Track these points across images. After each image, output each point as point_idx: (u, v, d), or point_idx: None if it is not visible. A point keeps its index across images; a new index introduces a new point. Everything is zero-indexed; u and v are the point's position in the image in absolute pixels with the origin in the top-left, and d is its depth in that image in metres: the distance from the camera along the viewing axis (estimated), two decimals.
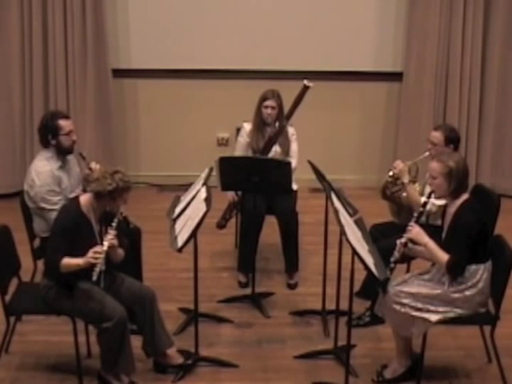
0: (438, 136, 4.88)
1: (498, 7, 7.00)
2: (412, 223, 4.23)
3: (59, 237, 4.11)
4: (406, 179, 4.88)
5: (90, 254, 4.00)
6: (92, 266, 4.00)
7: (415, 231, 4.19)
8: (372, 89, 7.37)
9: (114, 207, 4.14)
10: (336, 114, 7.41)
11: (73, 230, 4.08)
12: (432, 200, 4.34)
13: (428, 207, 4.42)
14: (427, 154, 4.90)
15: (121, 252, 4.27)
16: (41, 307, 4.26)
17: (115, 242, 4.10)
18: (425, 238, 4.17)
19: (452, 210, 4.17)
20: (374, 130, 7.48)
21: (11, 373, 4.42)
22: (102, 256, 4.01)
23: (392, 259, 4.22)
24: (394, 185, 5.03)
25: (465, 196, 4.17)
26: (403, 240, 4.22)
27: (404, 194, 4.92)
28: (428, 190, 4.77)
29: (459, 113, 7.19)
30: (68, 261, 4.04)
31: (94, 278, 3.99)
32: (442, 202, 4.47)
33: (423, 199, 4.38)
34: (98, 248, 4.04)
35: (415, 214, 4.31)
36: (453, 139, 4.90)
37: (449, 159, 4.14)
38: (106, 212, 4.18)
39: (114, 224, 4.10)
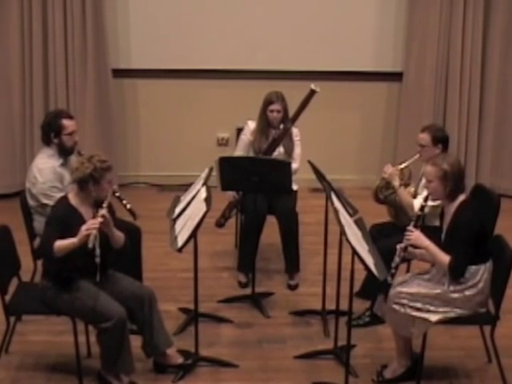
0: (424, 137, 4.89)
1: (497, 7, 7.00)
2: (411, 227, 4.22)
3: (51, 226, 4.10)
4: (396, 182, 4.88)
5: (84, 227, 3.97)
6: (87, 245, 3.96)
7: (415, 236, 4.18)
8: (372, 89, 7.38)
9: (100, 192, 4.12)
10: (336, 114, 7.41)
11: (64, 222, 4.06)
12: (429, 203, 4.34)
13: (418, 206, 4.41)
14: (417, 156, 4.91)
15: (119, 234, 4.25)
16: (41, 307, 4.25)
17: (107, 215, 4.07)
18: (425, 242, 4.17)
19: (450, 211, 4.17)
20: (374, 130, 7.49)
21: (11, 373, 4.42)
22: (96, 226, 3.96)
23: (393, 264, 4.20)
24: (387, 189, 5.05)
25: (462, 197, 4.18)
26: (403, 245, 4.22)
27: (397, 198, 4.93)
28: (421, 191, 4.79)
29: (459, 113, 7.19)
30: (61, 242, 4.00)
31: (90, 245, 3.91)
32: (436, 203, 4.48)
33: (420, 202, 4.37)
34: (91, 220, 4.03)
35: (413, 218, 4.30)
36: (440, 139, 4.90)
37: (443, 162, 4.14)
38: (98, 203, 4.15)
39: (104, 205, 4.08)
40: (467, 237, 4.06)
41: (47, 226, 4.16)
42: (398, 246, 4.24)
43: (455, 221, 4.12)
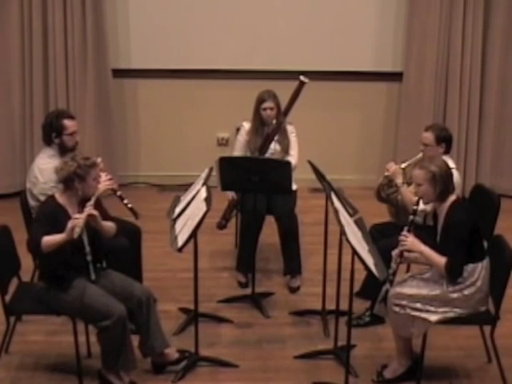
0: (428, 136, 4.91)
1: (498, 7, 7.00)
2: (405, 233, 4.22)
3: (38, 223, 4.11)
4: (399, 180, 4.88)
5: (70, 221, 3.97)
6: (76, 243, 3.98)
7: (410, 241, 4.18)
8: (372, 89, 7.38)
9: (86, 189, 4.13)
10: (336, 114, 7.41)
11: (52, 219, 4.06)
12: (421, 206, 4.33)
13: (422, 207, 4.41)
14: (420, 155, 4.91)
15: (111, 225, 4.26)
16: (41, 307, 4.25)
17: (94, 211, 4.08)
18: (420, 247, 4.17)
19: (442, 212, 4.17)
20: (374, 130, 7.49)
21: (11, 373, 4.42)
22: (82, 220, 3.97)
23: (390, 271, 4.20)
24: (389, 187, 5.04)
25: (452, 197, 4.18)
26: (398, 251, 4.22)
27: (399, 197, 4.93)
28: None
29: (459, 113, 7.19)
30: (49, 238, 3.99)
31: (75, 235, 3.92)
32: (430, 206, 4.47)
33: (413, 207, 4.36)
34: (77, 214, 4.03)
35: (409, 219, 4.29)
36: (444, 138, 4.91)
37: (430, 164, 4.15)
38: (84, 201, 4.15)
39: (91, 201, 4.09)
40: (461, 236, 4.06)
41: (35, 224, 4.18)
42: (394, 253, 4.24)
43: (448, 221, 4.13)
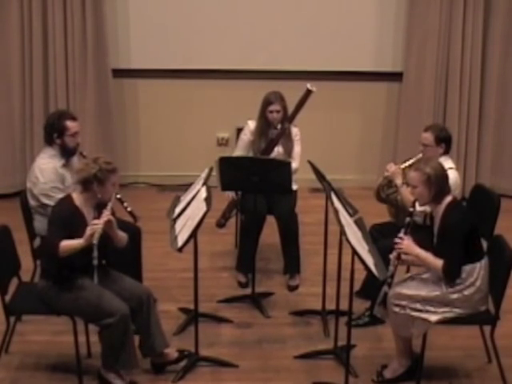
0: (428, 137, 4.90)
1: (498, 7, 7.01)
2: (401, 235, 4.22)
3: (56, 226, 4.11)
4: (399, 181, 4.88)
5: (89, 227, 3.98)
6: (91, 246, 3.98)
7: (406, 244, 4.18)
8: (372, 89, 7.38)
9: (104, 194, 4.13)
10: (336, 114, 7.41)
11: (68, 221, 4.07)
12: (420, 208, 4.33)
13: (421, 208, 4.41)
14: (420, 155, 4.91)
15: (123, 235, 4.26)
16: (41, 307, 4.25)
17: (112, 218, 4.09)
18: (416, 250, 4.17)
19: (439, 214, 4.17)
20: (374, 130, 7.49)
21: (11, 373, 4.42)
22: (101, 226, 3.99)
23: (388, 273, 4.20)
24: (389, 187, 5.04)
25: (448, 198, 4.18)
26: (395, 253, 4.22)
27: (399, 197, 4.92)
28: None
29: (459, 113, 7.19)
30: (67, 242, 4.01)
31: (95, 241, 3.94)
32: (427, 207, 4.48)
33: (409, 209, 4.36)
34: (95, 220, 4.03)
35: (407, 221, 4.29)
36: (443, 138, 4.91)
37: (426, 166, 4.15)
38: (100, 205, 4.16)
39: (108, 206, 4.09)
40: (457, 238, 4.05)
41: (52, 226, 4.16)
42: (391, 256, 4.24)
43: (444, 223, 4.12)
